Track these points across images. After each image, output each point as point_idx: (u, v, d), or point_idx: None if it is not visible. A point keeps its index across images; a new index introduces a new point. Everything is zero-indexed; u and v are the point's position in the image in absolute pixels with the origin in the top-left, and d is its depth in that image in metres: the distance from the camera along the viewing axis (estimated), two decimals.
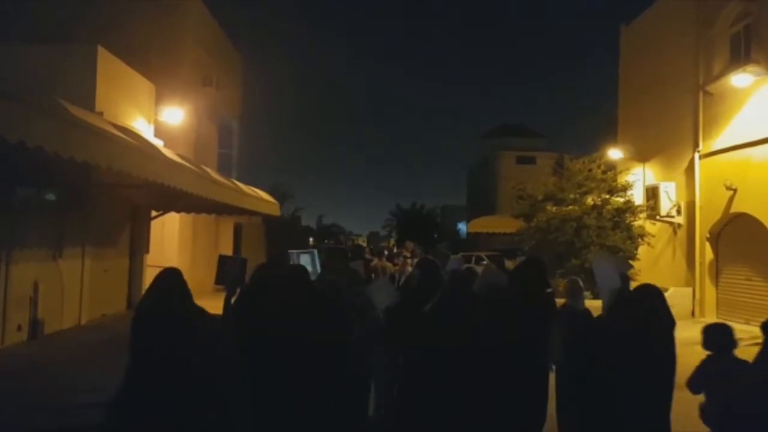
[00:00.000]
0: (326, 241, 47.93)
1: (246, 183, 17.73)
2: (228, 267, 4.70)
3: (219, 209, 16.67)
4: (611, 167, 18.38)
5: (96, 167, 8.81)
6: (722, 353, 4.46)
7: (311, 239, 48.23)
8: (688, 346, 4.91)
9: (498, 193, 42.78)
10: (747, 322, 13.95)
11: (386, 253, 26.82)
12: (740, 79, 13.66)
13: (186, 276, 4.25)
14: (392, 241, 53.48)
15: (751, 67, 13.50)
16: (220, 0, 36.04)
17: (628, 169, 18.23)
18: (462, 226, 56.11)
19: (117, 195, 13.23)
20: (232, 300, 4.67)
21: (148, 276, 15.97)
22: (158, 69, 16.77)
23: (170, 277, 3.97)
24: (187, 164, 11.52)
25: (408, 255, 17.93)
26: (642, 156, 19.02)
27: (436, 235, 56.46)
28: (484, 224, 34.91)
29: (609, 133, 22.95)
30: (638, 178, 18.46)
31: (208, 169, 13.45)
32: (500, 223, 32.30)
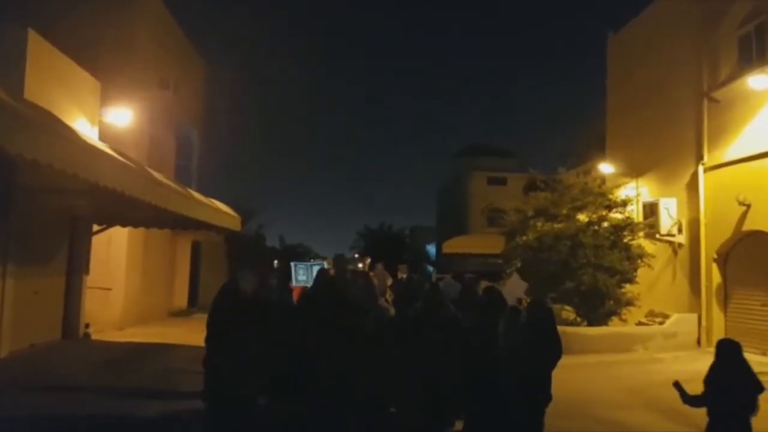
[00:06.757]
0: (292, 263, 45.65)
1: (207, 196, 15.84)
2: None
3: (173, 223, 14.73)
4: (603, 182, 17.03)
5: (18, 161, 6.96)
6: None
7: (275, 262, 46.02)
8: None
9: (469, 214, 41.69)
10: (764, 354, 12.57)
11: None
12: (756, 81, 12.42)
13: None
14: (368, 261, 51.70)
15: None
16: (189, 10, 34.53)
17: (619, 185, 16.87)
18: (431, 248, 54.51)
19: (50, 203, 11.34)
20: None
21: (90, 299, 13.97)
22: (108, 66, 14.94)
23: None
24: (130, 164, 9.69)
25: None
26: (635, 171, 17.72)
27: (404, 256, 54.75)
28: (459, 245, 33.25)
29: (588, 152, 21.77)
30: (632, 195, 17.10)
31: (157, 174, 11.57)
32: (475, 244, 30.87)
